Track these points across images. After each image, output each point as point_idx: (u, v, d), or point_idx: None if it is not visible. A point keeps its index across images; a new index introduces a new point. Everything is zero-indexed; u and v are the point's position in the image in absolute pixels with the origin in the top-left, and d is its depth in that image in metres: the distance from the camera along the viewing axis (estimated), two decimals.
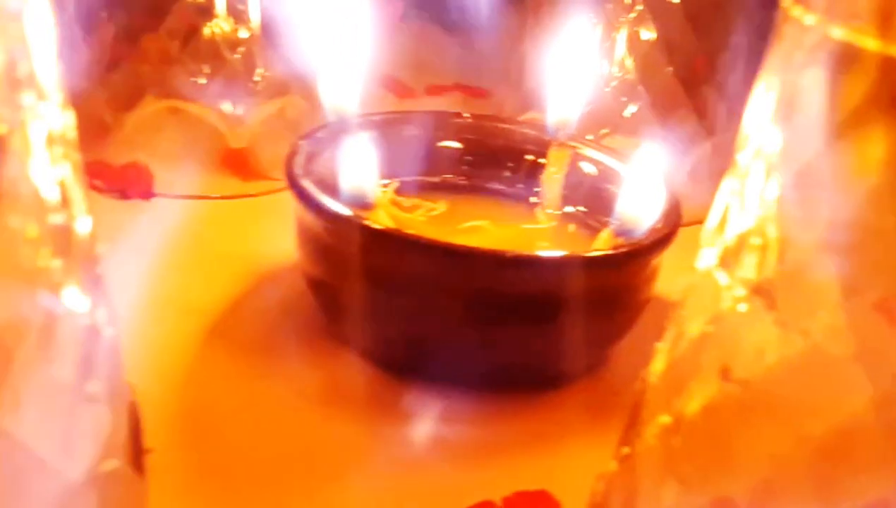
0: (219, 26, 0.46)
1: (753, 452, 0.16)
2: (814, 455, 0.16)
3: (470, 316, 0.32)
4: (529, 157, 0.40)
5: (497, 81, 0.58)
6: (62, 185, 0.19)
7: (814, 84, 0.16)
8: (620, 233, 0.34)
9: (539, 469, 0.31)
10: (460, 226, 0.37)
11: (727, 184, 0.19)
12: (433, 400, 0.33)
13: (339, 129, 0.37)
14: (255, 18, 0.47)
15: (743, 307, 0.17)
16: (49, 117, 0.18)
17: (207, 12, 0.46)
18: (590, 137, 0.46)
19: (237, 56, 0.46)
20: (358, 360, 0.34)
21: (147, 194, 0.45)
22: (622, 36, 0.47)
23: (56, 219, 0.18)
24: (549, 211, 0.39)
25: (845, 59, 0.15)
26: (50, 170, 0.18)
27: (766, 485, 0.16)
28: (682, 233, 0.34)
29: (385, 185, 0.38)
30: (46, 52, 0.18)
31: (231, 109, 0.46)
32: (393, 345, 0.34)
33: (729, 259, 0.18)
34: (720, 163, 0.45)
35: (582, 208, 0.39)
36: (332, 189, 0.34)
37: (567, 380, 0.35)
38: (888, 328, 0.15)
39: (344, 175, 0.34)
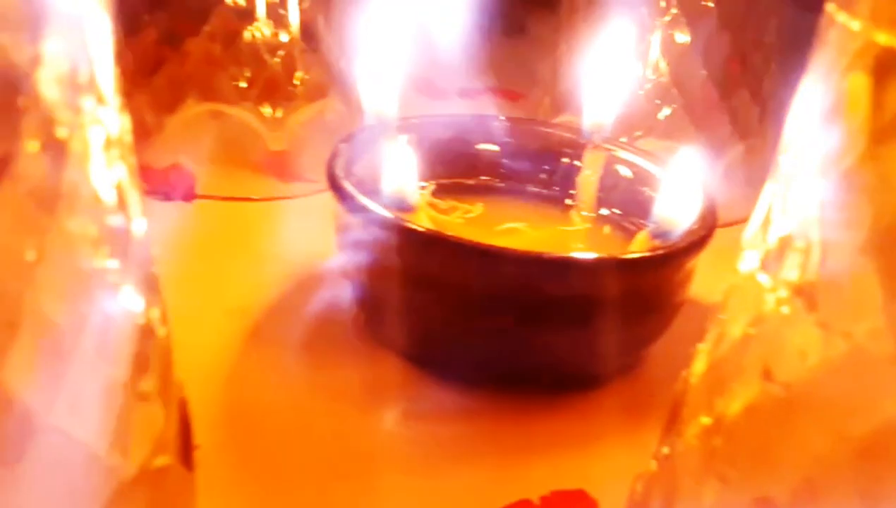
0: (259, 30, 0.46)
1: (794, 453, 0.16)
2: (855, 456, 0.16)
3: (508, 317, 0.32)
4: (565, 160, 0.41)
5: (531, 84, 0.58)
6: (119, 188, 0.19)
7: (857, 88, 0.16)
8: (657, 235, 0.34)
9: (576, 469, 0.31)
10: (496, 228, 0.37)
11: (769, 186, 0.19)
12: (472, 399, 0.33)
13: (378, 132, 0.37)
14: (294, 22, 0.47)
15: (785, 309, 0.17)
16: (107, 121, 0.19)
17: (248, 16, 0.46)
18: (623, 140, 0.46)
19: (277, 60, 0.47)
20: (397, 360, 0.35)
21: (189, 196, 0.45)
22: (657, 39, 0.47)
23: (113, 220, 0.19)
24: (585, 213, 0.40)
25: (889, 65, 0.15)
26: (107, 172, 0.19)
27: (806, 486, 0.16)
28: (717, 235, 0.34)
29: (422, 188, 0.38)
30: (105, 57, 0.19)
31: (271, 112, 0.47)
32: (432, 346, 0.34)
33: (771, 261, 0.18)
34: (754, 165, 0.46)
35: (617, 210, 0.39)
36: (372, 191, 0.34)
37: (603, 381, 0.35)
38: None
39: (384, 177, 0.34)
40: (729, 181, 0.45)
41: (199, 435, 0.22)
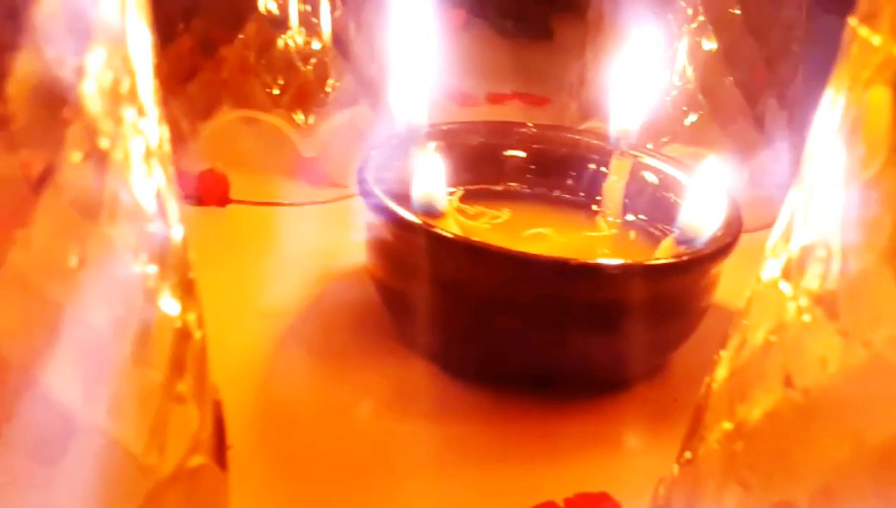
0: (292, 38, 0.47)
1: (814, 458, 0.17)
2: (873, 463, 0.16)
3: (534, 321, 0.32)
4: (591, 166, 0.41)
5: (558, 90, 0.58)
6: (158, 196, 0.19)
7: (878, 101, 0.16)
8: (682, 241, 0.34)
9: (600, 472, 0.31)
10: (523, 234, 0.38)
11: (792, 195, 0.19)
12: (497, 402, 0.33)
13: (407, 139, 0.37)
14: (326, 31, 0.47)
15: (806, 317, 0.17)
16: (147, 132, 0.19)
17: (282, 25, 0.47)
18: (650, 146, 0.46)
19: (309, 67, 0.47)
20: (425, 363, 0.35)
21: (223, 201, 0.46)
22: (683, 45, 0.47)
23: (152, 227, 0.19)
24: (611, 218, 0.40)
25: None
26: (147, 181, 0.19)
27: (826, 491, 0.16)
28: (743, 240, 0.34)
29: (451, 193, 0.38)
30: (145, 70, 0.19)
31: (303, 119, 0.47)
32: (459, 349, 0.34)
33: (793, 270, 0.18)
34: (779, 171, 0.45)
35: (643, 216, 0.39)
36: (401, 197, 0.34)
37: (628, 385, 0.35)
38: None
39: (413, 183, 0.34)
40: (755, 187, 0.45)
41: (233, 436, 0.23)
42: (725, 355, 0.20)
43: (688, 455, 0.20)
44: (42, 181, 0.17)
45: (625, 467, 0.31)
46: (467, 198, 0.39)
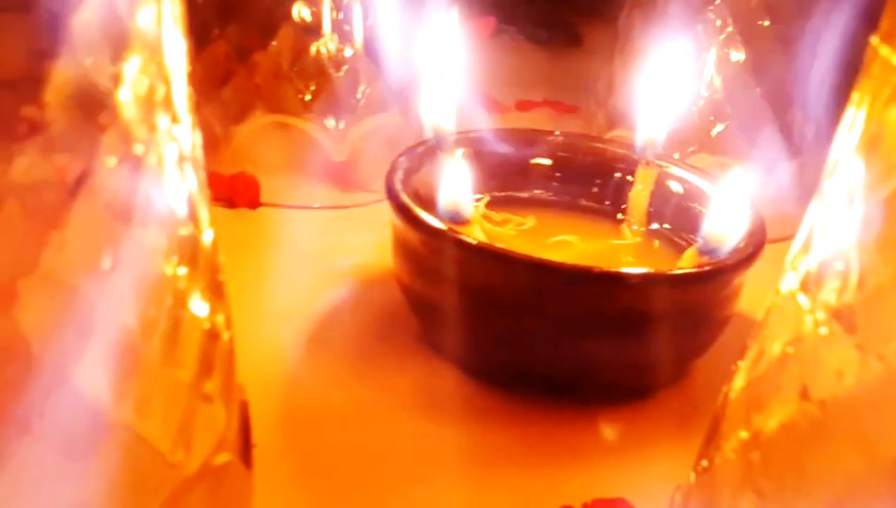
0: (325, 45, 0.47)
1: (829, 470, 0.17)
2: (888, 476, 0.16)
3: (557, 328, 0.32)
4: (617, 175, 0.41)
5: (587, 98, 0.58)
6: (190, 200, 0.20)
7: None
8: (705, 251, 0.34)
9: (619, 478, 0.31)
10: (548, 241, 0.38)
11: (812, 209, 0.19)
12: (520, 407, 0.33)
13: (435, 146, 0.37)
14: (358, 38, 0.48)
15: (823, 330, 0.17)
16: (180, 138, 0.19)
17: (315, 32, 0.47)
18: (676, 155, 0.46)
19: (341, 74, 0.47)
20: (450, 367, 0.35)
21: (254, 203, 0.46)
22: (712, 56, 0.47)
23: (184, 231, 0.19)
24: (635, 227, 0.40)
25: None
26: (179, 186, 0.19)
27: (840, 502, 0.16)
28: (768, 251, 0.34)
29: (477, 200, 0.39)
30: (180, 78, 0.19)
31: (334, 124, 0.47)
32: (483, 354, 0.34)
33: (811, 283, 0.18)
34: (806, 182, 0.45)
35: (667, 225, 0.39)
36: (428, 203, 0.34)
37: (650, 392, 0.35)
38: None
39: (440, 190, 0.35)
40: (780, 198, 0.45)
41: (258, 435, 0.23)
42: (743, 365, 0.20)
43: (704, 463, 0.20)
44: (78, 185, 0.17)
45: (643, 474, 0.31)
46: (494, 204, 0.39)
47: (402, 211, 0.33)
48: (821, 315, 0.17)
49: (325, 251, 0.43)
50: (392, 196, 0.34)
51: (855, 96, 0.18)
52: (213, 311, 0.21)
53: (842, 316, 0.17)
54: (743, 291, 0.35)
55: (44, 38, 0.16)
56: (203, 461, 0.20)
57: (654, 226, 0.40)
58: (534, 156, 0.41)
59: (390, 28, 0.49)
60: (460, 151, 0.37)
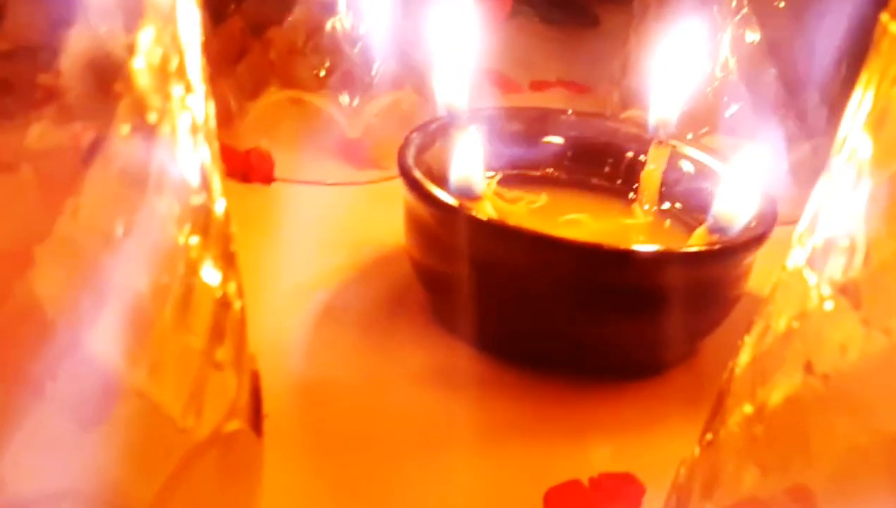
0: (340, 22, 0.47)
1: (831, 443, 0.17)
2: (889, 450, 0.16)
3: (567, 305, 0.32)
4: (629, 154, 0.41)
5: (601, 78, 0.58)
6: (202, 170, 0.20)
7: None
8: (715, 230, 0.34)
9: (626, 453, 0.31)
10: (560, 219, 0.38)
11: (820, 186, 0.19)
12: (529, 382, 0.33)
13: (448, 123, 0.37)
14: (374, 15, 0.48)
15: (829, 305, 0.17)
16: (194, 108, 0.19)
17: (331, 8, 0.47)
18: (689, 136, 0.46)
19: (356, 51, 0.47)
20: (460, 342, 0.35)
21: (268, 179, 0.46)
22: (727, 37, 0.47)
23: (196, 200, 0.19)
24: (647, 206, 0.40)
25: None
26: (192, 155, 0.19)
27: (841, 476, 0.16)
28: (780, 232, 0.34)
29: (490, 177, 0.39)
30: (194, 48, 0.19)
31: (348, 101, 0.47)
32: (494, 330, 0.34)
33: (817, 259, 0.18)
34: (820, 164, 0.45)
35: (678, 205, 0.39)
36: (440, 180, 0.34)
37: (659, 370, 0.35)
38: None
39: (452, 167, 0.35)
40: (794, 179, 0.45)
41: (269, 405, 0.23)
42: (749, 340, 0.20)
43: (709, 437, 0.20)
44: (92, 152, 0.17)
45: (650, 449, 0.31)
46: (506, 182, 0.39)
47: (414, 186, 0.33)
48: (826, 290, 0.17)
49: (338, 227, 0.43)
50: (404, 171, 0.34)
51: (864, 73, 0.18)
52: (224, 280, 0.21)
53: (847, 292, 0.17)
54: (754, 271, 0.35)
55: (60, 7, 0.16)
56: (214, 427, 0.20)
57: (666, 205, 0.40)
58: (546, 135, 0.41)
59: (406, 6, 0.49)
60: (473, 129, 0.37)
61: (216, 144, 0.21)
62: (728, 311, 0.34)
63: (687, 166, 0.39)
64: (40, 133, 0.17)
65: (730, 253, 0.32)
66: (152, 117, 0.18)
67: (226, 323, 0.21)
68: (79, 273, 0.17)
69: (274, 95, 0.48)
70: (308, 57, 0.47)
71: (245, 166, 0.46)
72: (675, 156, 0.40)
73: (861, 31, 0.44)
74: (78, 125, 0.17)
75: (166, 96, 0.18)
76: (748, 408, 0.19)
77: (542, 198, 0.39)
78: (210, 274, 0.20)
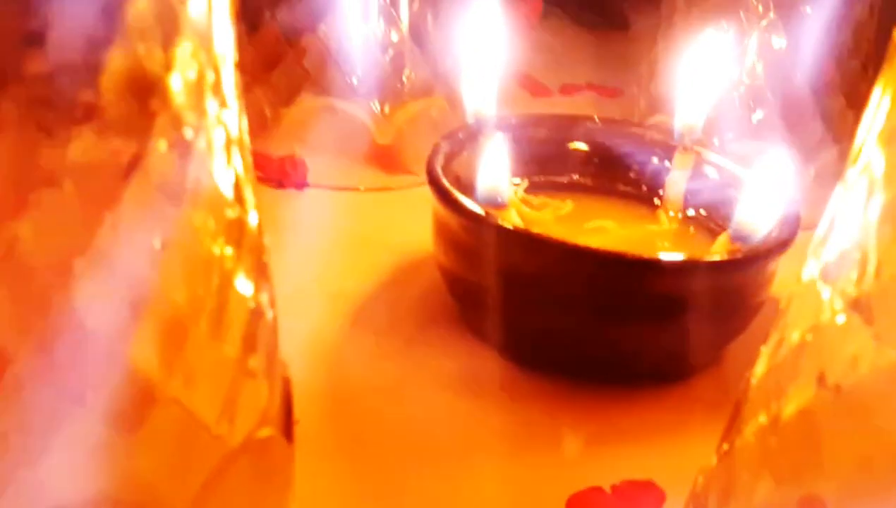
0: (372, 30, 0.47)
1: (843, 455, 0.17)
2: None
3: (589, 312, 0.32)
4: (654, 160, 0.41)
5: (630, 81, 0.58)
6: (236, 183, 0.20)
7: None
8: (737, 238, 0.34)
9: (648, 460, 0.31)
10: (585, 226, 0.38)
11: (835, 197, 0.19)
12: (555, 390, 0.34)
13: (477, 130, 0.38)
14: (404, 23, 0.48)
15: (841, 318, 0.17)
16: (228, 123, 0.20)
17: (363, 17, 0.47)
18: (716, 141, 0.46)
19: (387, 58, 0.48)
20: (487, 349, 0.35)
21: (301, 184, 0.47)
22: (753, 42, 0.47)
23: (230, 213, 0.20)
24: (672, 213, 0.40)
25: None
26: (227, 169, 0.20)
27: (853, 487, 0.17)
28: (804, 238, 0.33)
29: (517, 184, 0.39)
30: (228, 63, 0.20)
31: (379, 108, 0.48)
32: (519, 337, 0.34)
33: (830, 271, 0.18)
34: (845, 170, 0.45)
35: (703, 211, 0.39)
36: (468, 187, 0.35)
37: (683, 376, 0.35)
38: None
39: (479, 174, 0.35)
40: (820, 184, 0.44)
41: (301, 411, 0.23)
42: (765, 351, 0.20)
43: (725, 446, 0.20)
44: (131, 168, 0.18)
45: (672, 457, 0.31)
46: (533, 188, 0.39)
47: (441, 194, 0.34)
48: (838, 304, 0.17)
49: (369, 232, 0.43)
50: (432, 179, 0.34)
51: (878, 86, 0.18)
52: (257, 290, 0.21)
53: (859, 306, 0.17)
54: (780, 275, 0.34)
55: (98, 28, 0.17)
56: (246, 434, 0.20)
57: (691, 212, 0.40)
58: (573, 141, 0.41)
59: (437, 13, 0.49)
60: (500, 136, 0.37)
61: (249, 157, 0.21)
62: (752, 317, 0.34)
63: (712, 172, 0.39)
64: (81, 149, 0.17)
65: (751, 261, 0.32)
66: (188, 133, 0.18)
67: (258, 332, 0.21)
68: (117, 284, 0.18)
69: (307, 102, 0.48)
70: (341, 64, 0.48)
71: (279, 172, 0.47)
72: (699, 163, 0.40)
73: (888, 36, 0.44)
74: (117, 141, 0.17)
75: (202, 112, 0.19)
76: (763, 419, 0.19)
77: (568, 205, 0.39)
78: (244, 285, 0.20)
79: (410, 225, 0.43)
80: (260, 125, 0.48)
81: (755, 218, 0.34)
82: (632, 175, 0.41)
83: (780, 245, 0.32)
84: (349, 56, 0.48)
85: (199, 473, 0.20)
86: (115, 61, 0.17)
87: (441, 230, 0.36)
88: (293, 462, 0.23)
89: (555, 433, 0.32)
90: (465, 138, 0.38)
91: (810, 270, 0.19)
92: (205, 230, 0.19)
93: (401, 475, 0.30)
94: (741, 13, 0.47)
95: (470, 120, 0.38)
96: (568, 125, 0.41)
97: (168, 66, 0.18)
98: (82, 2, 0.17)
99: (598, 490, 0.30)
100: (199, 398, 0.19)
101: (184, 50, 0.18)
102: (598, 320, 0.33)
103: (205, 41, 0.19)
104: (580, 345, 0.34)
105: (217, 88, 0.19)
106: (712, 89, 0.40)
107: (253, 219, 0.21)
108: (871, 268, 0.17)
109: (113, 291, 0.18)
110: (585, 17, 0.76)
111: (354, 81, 0.48)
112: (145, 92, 0.17)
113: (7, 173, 0.17)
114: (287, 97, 0.48)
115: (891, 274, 0.17)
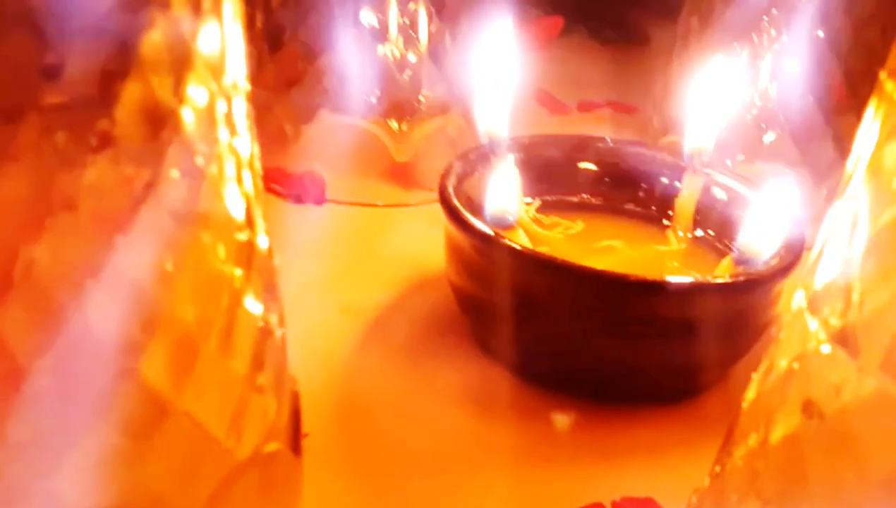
0: (391, 50, 0.48)
1: (827, 482, 0.17)
2: (881, 489, 0.17)
3: (596, 332, 0.33)
4: (664, 181, 0.41)
5: (646, 99, 0.58)
6: (247, 207, 0.21)
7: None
8: (741, 261, 0.34)
9: (649, 478, 0.31)
10: (595, 245, 0.38)
11: (823, 228, 0.19)
12: (562, 407, 0.34)
13: (489, 151, 0.38)
14: (423, 43, 0.49)
15: (826, 348, 0.18)
16: (240, 149, 0.20)
17: (381, 37, 0.48)
18: (729, 162, 0.46)
19: (405, 77, 0.48)
20: (497, 366, 0.35)
21: (320, 200, 0.47)
22: (766, 65, 0.47)
23: (241, 236, 0.20)
24: (680, 233, 0.40)
25: None
26: (238, 194, 0.20)
27: None
28: None
29: (529, 203, 0.39)
30: (240, 94, 0.21)
31: (397, 126, 0.48)
32: (528, 355, 0.35)
33: (817, 301, 0.18)
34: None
35: (711, 232, 0.40)
36: (479, 208, 0.35)
37: (691, 395, 0.35)
38: None
39: (489, 195, 0.36)
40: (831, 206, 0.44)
41: (309, 424, 0.24)
42: (756, 377, 0.20)
43: (717, 468, 0.21)
44: (144, 194, 0.18)
45: (673, 475, 0.31)
46: (545, 208, 0.40)
47: (452, 214, 0.34)
48: (822, 335, 0.18)
49: (386, 247, 0.44)
50: (443, 200, 0.35)
51: (865, 120, 0.18)
52: (266, 310, 0.21)
53: (843, 337, 0.17)
54: (787, 294, 0.34)
55: (113, 61, 0.17)
56: (254, 448, 0.21)
57: (700, 232, 0.40)
58: (584, 161, 0.41)
59: (454, 34, 0.50)
60: (512, 157, 0.38)
61: (260, 182, 0.22)
62: (757, 338, 0.34)
63: (721, 194, 0.40)
64: (97, 176, 0.18)
65: (753, 285, 0.32)
66: (200, 161, 0.19)
67: (267, 349, 0.22)
68: (130, 304, 0.18)
69: (327, 120, 0.49)
70: (359, 83, 0.48)
71: (299, 187, 0.47)
72: (709, 184, 0.40)
73: None
74: (131, 169, 0.18)
75: (213, 141, 0.19)
76: (752, 443, 0.19)
77: (578, 225, 0.39)
78: (253, 305, 0.21)
79: (426, 240, 0.43)
80: (280, 141, 0.49)
81: (759, 241, 0.34)
82: (642, 195, 0.41)
83: (782, 270, 0.32)
84: (368, 75, 0.48)
85: (208, 485, 0.20)
86: (130, 93, 0.17)
87: (452, 248, 0.36)
88: (301, 475, 0.24)
89: (557, 449, 0.32)
90: (477, 159, 0.38)
91: (798, 299, 0.19)
92: (215, 252, 0.20)
93: (407, 488, 0.30)
94: (754, 35, 0.47)
95: (483, 140, 0.39)
96: (580, 145, 0.41)
97: (180, 98, 0.18)
98: (97, 36, 0.17)
99: (599, 506, 0.30)
100: (209, 412, 0.19)
101: (196, 81, 0.18)
102: (602, 340, 0.33)
103: (216, 72, 0.19)
104: (585, 363, 0.34)
105: (229, 117, 0.20)
106: (724, 111, 0.40)
107: (263, 242, 0.22)
108: (855, 300, 0.17)
109: (125, 310, 0.18)
110: (605, 32, 0.76)
111: (373, 100, 0.48)
112: (158, 122, 0.18)
113: (25, 198, 0.18)
114: (307, 114, 0.49)
115: (873, 306, 0.17)
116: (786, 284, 0.34)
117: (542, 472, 0.31)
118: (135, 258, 0.18)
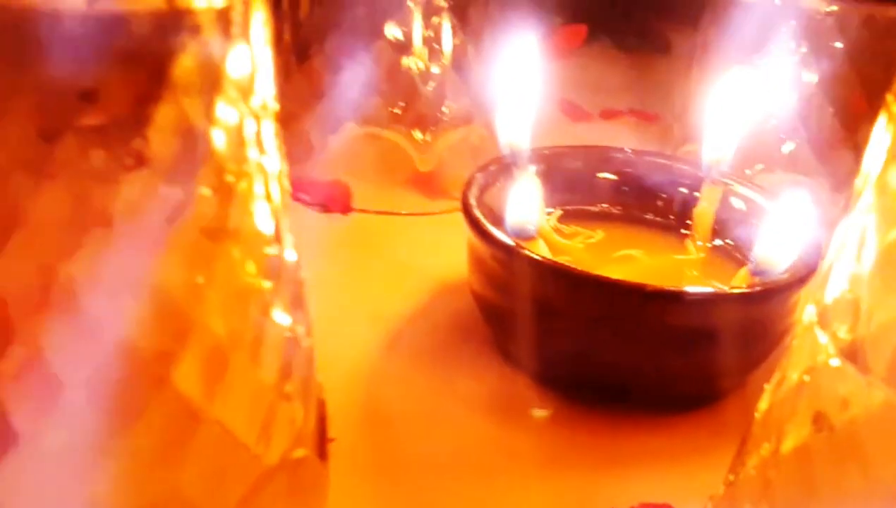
0: (415, 62, 0.49)
1: (836, 491, 0.18)
2: (889, 498, 0.17)
3: (614, 340, 0.33)
4: (683, 191, 0.41)
5: (667, 108, 0.58)
6: (275, 223, 0.21)
7: None
8: (758, 271, 0.34)
9: (666, 484, 0.31)
10: (614, 255, 0.38)
11: (832, 244, 0.20)
12: (582, 414, 0.34)
13: (510, 162, 0.38)
14: (447, 55, 0.49)
15: (835, 362, 0.18)
16: (268, 167, 0.21)
17: (406, 49, 0.49)
18: (748, 172, 0.46)
19: (429, 89, 0.49)
20: (519, 374, 0.35)
21: (345, 208, 0.48)
22: (785, 76, 0.47)
23: (269, 250, 0.21)
24: (699, 243, 0.40)
25: None
26: (266, 211, 0.21)
27: None
28: None
29: (550, 213, 0.40)
30: (269, 114, 0.21)
31: (421, 136, 0.49)
32: (549, 363, 0.35)
33: (827, 315, 0.19)
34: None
35: (730, 242, 0.40)
36: (500, 218, 0.35)
37: (709, 402, 0.35)
38: None
39: (511, 206, 0.36)
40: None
41: (335, 430, 0.24)
42: (769, 388, 0.21)
43: (731, 477, 0.21)
44: (177, 212, 0.19)
45: (691, 481, 0.31)
46: (566, 218, 0.40)
47: (474, 225, 0.34)
48: (832, 348, 0.18)
49: (410, 255, 0.44)
50: (466, 211, 0.35)
51: (874, 140, 0.18)
52: (294, 321, 0.22)
53: (851, 351, 0.18)
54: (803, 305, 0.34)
55: (148, 85, 0.18)
56: (282, 454, 0.21)
57: (718, 242, 0.40)
58: (604, 171, 0.41)
59: (479, 47, 0.50)
60: (533, 167, 0.38)
61: (289, 198, 0.22)
62: (775, 346, 0.34)
63: (739, 204, 0.40)
64: (131, 194, 0.18)
65: (771, 295, 0.33)
66: (230, 179, 0.19)
67: (294, 359, 0.22)
68: (165, 317, 0.19)
69: (352, 130, 0.49)
70: (384, 95, 0.49)
71: (325, 197, 0.48)
72: (727, 194, 0.40)
73: None
74: (164, 187, 0.19)
75: (243, 160, 0.20)
76: (764, 453, 0.19)
77: (598, 234, 0.40)
78: (281, 317, 0.21)
79: (449, 248, 0.43)
80: (307, 152, 0.49)
81: (776, 251, 0.34)
82: (661, 205, 0.41)
83: (799, 279, 0.32)
84: (392, 87, 0.49)
85: (238, 490, 0.21)
86: (163, 114, 0.18)
87: (474, 258, 0.36)
88: (327, 480, 0.24)
89: (577, 455, 0.32)
90: (498, 170, 0.38)
91: (809, 314, 0.19)
92: (244, 267, 0.20)
93: (429, 491, 0.30)
94: (773, 47, 0.47)
95: (505, 151, 0.39)
96: (600, 156, 0.42)
97: (211, 119, 0.19)
98: (132, 61, 0.18)
99: None
100: (239, 420, 0.20)
101: (226, 103, 0.19)
102: (620, 348, 0.33)
103: (246, 94, 0.20)
104: (604, 371, 0.34)
105: (258, 137, 0.20)
106: (743, 121, 0.40)
107: (291, 256, 0.22)
108: (863, 315, 0.17)
109: (160, 323, 0.19)
110: (628, 40, 0.77)
111: (397, 111, 0.49)
112: (190, 142, 0.19)
113: (62, 215, 0.18)
114: (333, 125, 0.49)
115: (881, 321, 0.17)
116: (803, 293, 0.34)
117: (562, 478, 0.31)
118: (168, 272, 0.19)
